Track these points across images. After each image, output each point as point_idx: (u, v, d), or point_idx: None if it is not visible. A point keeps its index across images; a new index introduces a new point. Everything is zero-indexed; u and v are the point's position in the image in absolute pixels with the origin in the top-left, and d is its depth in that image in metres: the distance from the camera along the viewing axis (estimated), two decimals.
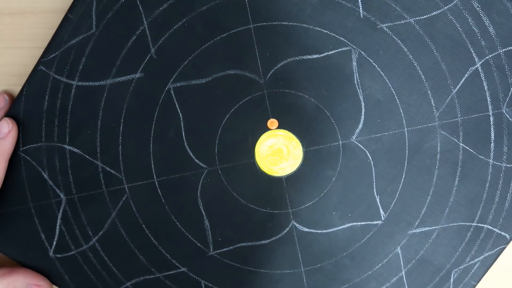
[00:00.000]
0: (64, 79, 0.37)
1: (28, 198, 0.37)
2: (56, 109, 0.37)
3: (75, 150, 0.37)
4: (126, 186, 0.37)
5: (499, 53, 0.36)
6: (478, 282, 0.38)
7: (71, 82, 0.37)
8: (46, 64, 0.36)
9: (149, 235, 0.37)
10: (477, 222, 0.37)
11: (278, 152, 0.37)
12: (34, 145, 0.37)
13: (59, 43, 0.36)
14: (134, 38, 0.36)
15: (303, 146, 0.37)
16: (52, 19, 0.38)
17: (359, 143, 0.37)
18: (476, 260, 0.37)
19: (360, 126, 0.37)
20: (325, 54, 0.37)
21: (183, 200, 0.37)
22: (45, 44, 0.37)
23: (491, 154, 0.37)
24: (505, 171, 0.37)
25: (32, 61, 0.38)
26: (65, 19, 0.36)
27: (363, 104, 0.37)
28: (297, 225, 0.38)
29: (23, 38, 0.38)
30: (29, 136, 0.37)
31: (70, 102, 0.37)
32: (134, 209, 0.37)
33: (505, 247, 0.38)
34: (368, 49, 0.36)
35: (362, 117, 0.37)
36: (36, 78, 0.37)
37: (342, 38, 0.36)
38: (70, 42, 0.36)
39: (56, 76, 0.37)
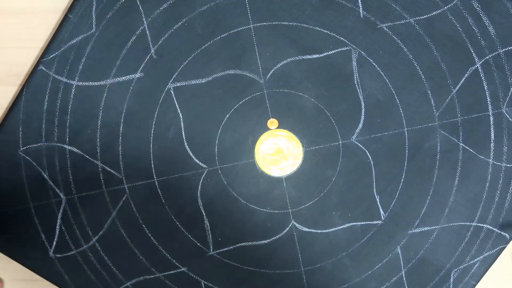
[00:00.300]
0: (64, 79, 0.37)
1: (28, 198, 0.37)
2: (56, 109, 0.37)
3: (75, 150, 0.37)
4: (126, 186, 0.38)
5: (499, 53, 0.37)
6: (478, 281, 0.38)
7: (71, 82, 0.37)
8: (46, 64, 0.37)
9: (149, 235, 0.38)
10: (477, 222, 0.38)
11: (278, 152, 0.38)
12: (34, 145, 0.37)
13: (59, 43, 0.37)
14: (134, 38, 0.37)
15: (303, 146, 0.38)
16: (52, 19, 0.38)
17: (359, 143, 0.37)
18: (476, 260, 0.38)
19: (360, 126, 0.37)
20: (325, 54, 0.37)
21: (183, 200, 0.38)
22: (45, 44, 0.38)
23: (491, 154, 0.37)
24: (505, 171, 0.37)
25: (32, 61, 0.38)
26: (65, 19, 0.36)
27: (363, 104, 0.37)
28: (297, 225, 0.38)
29: (23, 38, 0.38)
30: (29, 136, 0.37)
31: (70, 102, 0.37)
32: (134, 209, 0.38)
33: (505, 247, 0.38)
34: (368, 49, 0.37)
35: (362, 117, 0.37)
36: (36, 78, 0.37)
37: (342, 38, 0.37)
38: (70, 42, 0.37)
39: (56, 76, 0.37)
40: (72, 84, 0.37)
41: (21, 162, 0.37)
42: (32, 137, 0.37)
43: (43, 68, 0.37)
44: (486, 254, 0.38)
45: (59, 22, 0.37)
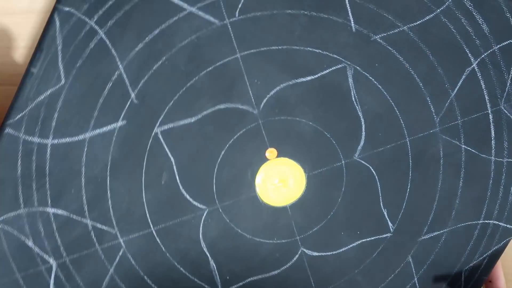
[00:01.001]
0: (36, 139, 0.34)
1: (14, 269, 0.35)
2: (32, 173, 0.34)
3: (60, 212, 0.35)
4: (121, 240, 0.36)
5: (494, 50, 0.37)
6: (487, 275, 0.40)
7: (45, 141, 0.34)
8: (13, 125, 0.34)
9: (153, 285, 0.37)
10: (483, 219, 0.39)
11: (280, 181, 0.37)
12: (12, 213, 0.35)
13: (25, 101, 0.33)
14: (110, 84, 0.34)
15: (305, 171, 0.37)
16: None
17: (362, 160, 0.37)
18: (484, 255, 0.39)
19: (362, 143, 0.37)
20: (319, 74, 0.36)
21: (185, 245, 0.37)
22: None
23: (492, 151, 0.38)
24: (507, 165, 0.39)
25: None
26: (28, 74, 0.33)
27: (362, 120, 0.37)
28: (306, 251, 0.38)
29: (23, 38, 0.39)
30: (5, 205, 0.35)
31: (47, 163, 0.35)
32: (133, 262, 0.36)
33: (511, 239, 0.40)
34: (363, 63, 0.36)
35: (363, 133, 0.37)
36: (3, 143, 0.34)
37: (335, 56, 0.36)
38: (37, 98, 0.34)
39: (27, 138, 0.34)
40: (47, 144, 0.34)
41: (0, 234, 0.35)
42: (9, 205, 0.35)
43: (10, 131, 0.34)
44: (494, 248, 0.39)
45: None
